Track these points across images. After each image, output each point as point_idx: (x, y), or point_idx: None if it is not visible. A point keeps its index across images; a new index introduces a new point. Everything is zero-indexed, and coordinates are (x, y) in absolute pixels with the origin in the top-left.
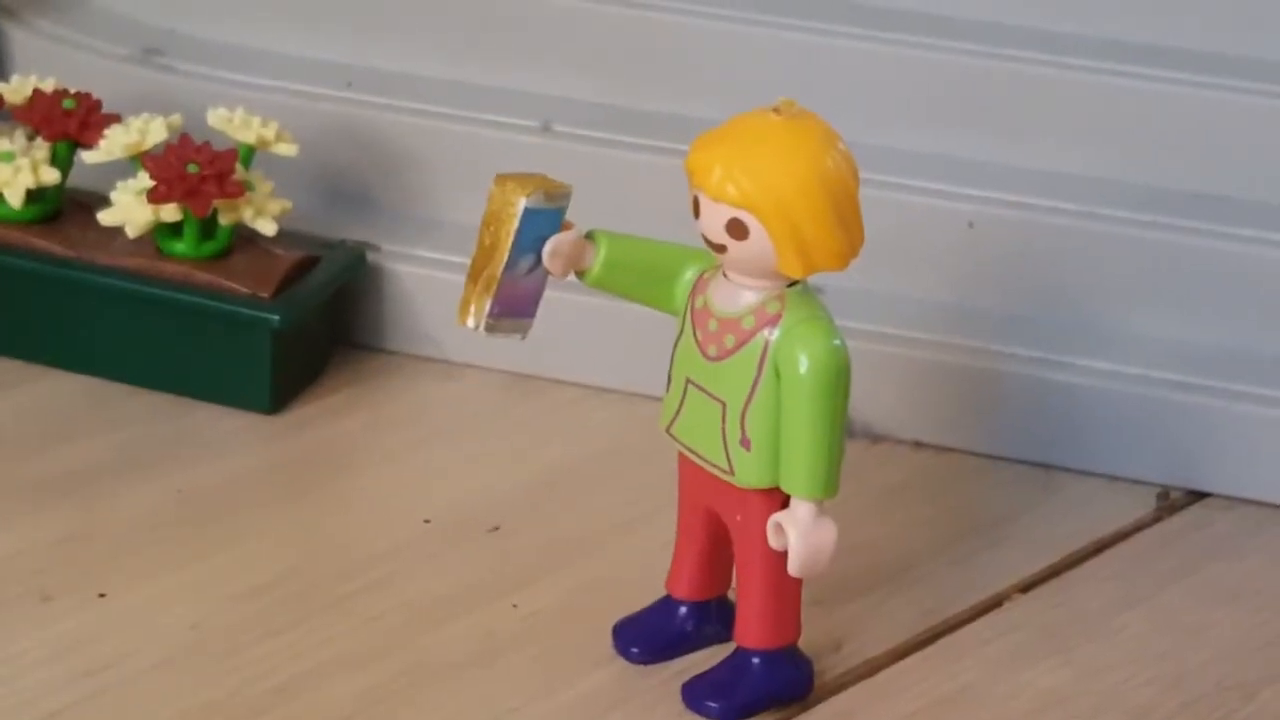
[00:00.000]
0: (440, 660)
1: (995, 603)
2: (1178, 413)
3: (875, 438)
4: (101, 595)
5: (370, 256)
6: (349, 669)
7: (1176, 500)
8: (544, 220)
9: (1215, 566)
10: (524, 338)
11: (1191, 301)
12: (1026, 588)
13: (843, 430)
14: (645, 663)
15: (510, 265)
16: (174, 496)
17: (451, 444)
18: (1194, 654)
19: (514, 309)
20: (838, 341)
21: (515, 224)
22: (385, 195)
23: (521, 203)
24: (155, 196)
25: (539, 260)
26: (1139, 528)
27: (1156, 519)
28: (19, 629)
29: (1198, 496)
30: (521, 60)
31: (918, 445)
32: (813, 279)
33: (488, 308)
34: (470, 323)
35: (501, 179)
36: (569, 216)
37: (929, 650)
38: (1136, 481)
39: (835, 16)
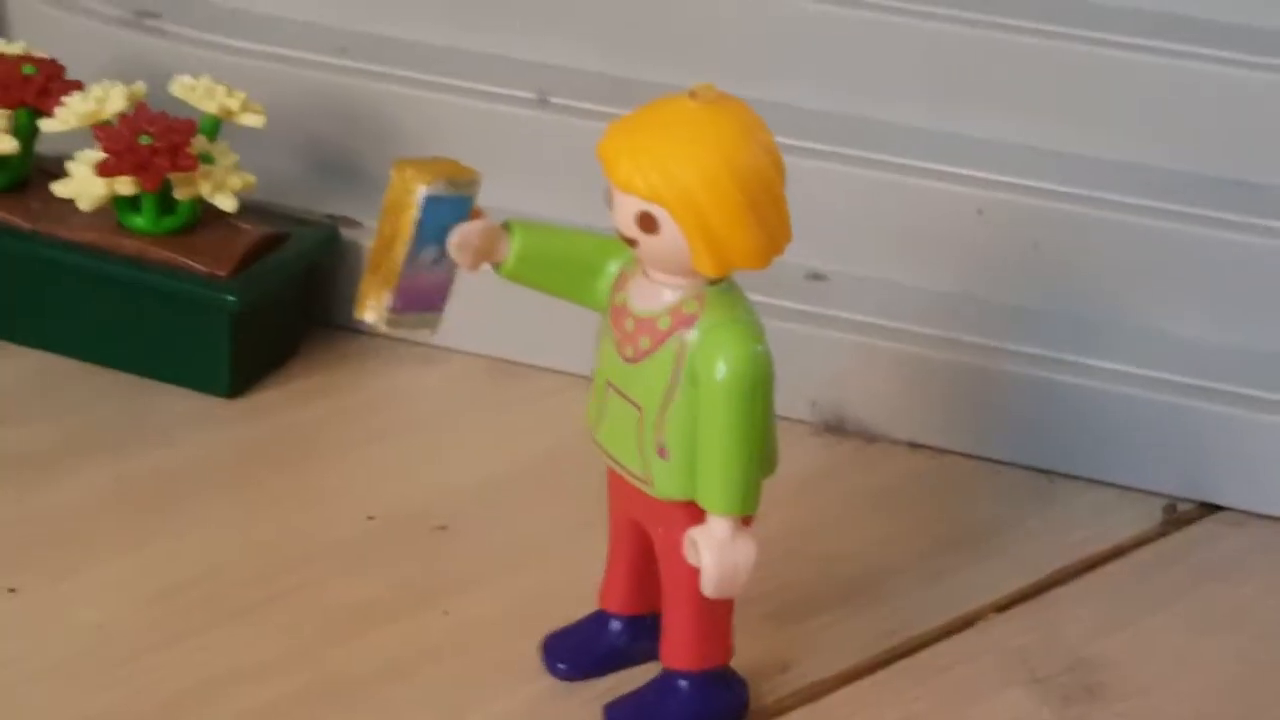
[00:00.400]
0: (352, 672)
1: (967, 623)
2: (1192, 419)
3: (870, 437)
4: (11, 590)
5: (348, 233)
6: (249, 681)
7: (1185, 513)
8: (449, 209)
9: (1213, 588)
10: (433, 333)
11: (1213, 299)
12: (1004, 607)
13: (763, 442)
14: (572, 679)
15: (411, 257)
16: (112, 485)
17: (415, 434)
18: (1172, 687)
19: (419, 303)
20: (759, 347)
21: (415, 213)
22: (371, 168)
23: (422, 191)
24: (105, 169)
25: (445, 251)
26: (1140, 543)
27: (1160, 533)
28: None
29: (1209, 510)
30: (518, 29)
31: (914, 446)
32: (813, 265)
33: (388, 301)
34: (369, 317)
35: (401, 164)
36: (481, 204)
37: (882, 674)
38: (1145, 492)
39: None
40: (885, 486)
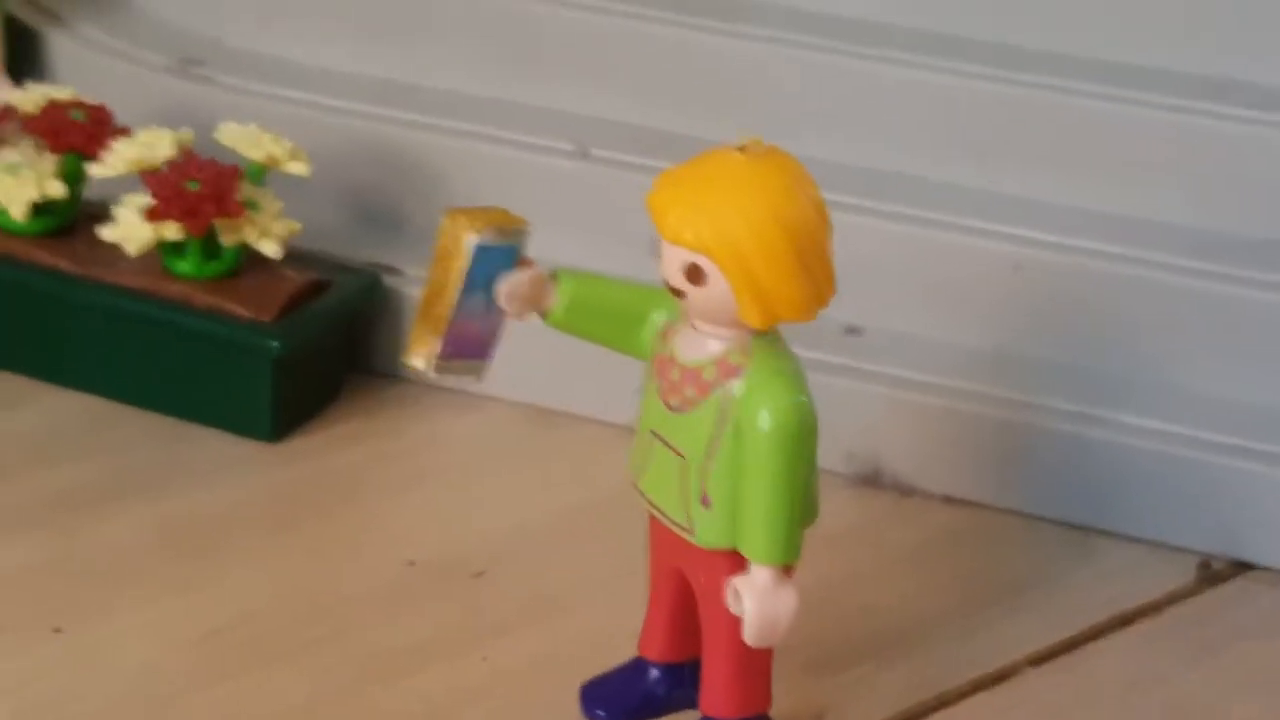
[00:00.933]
0: (392, 716)
1: (1001, 676)
2: (1227, 477)
3: (905, 491)
4: (57, 630)
5: (390, 280)
6: None
7: (1219, 571)
8: (497, 257)
9: (1248, 646)
10: (479, 380)
11: (1248, 359)
12: (1039, 660)
13: (806, 492)
14: None
15: (460, 305)
16: (154, 528)
17: (455, 480)
18: None
19: (466, 350)
20: (804, 398)
21: (465, 261)
22: (414, 216)
23: (471, 239)
24: (152, 214)
25: (494, 299)
26: (1173, 599)
27: (1194, 590)
28: None
29: (1242, 568)
30: (560, 81)
31: (949, 500)
32: (849, 319)
33: (436, 348)
34: (419, 363)
35: (453, 213)
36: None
37: None
38: (1178, 549)
39: (881, 41)
40: (920, 540)
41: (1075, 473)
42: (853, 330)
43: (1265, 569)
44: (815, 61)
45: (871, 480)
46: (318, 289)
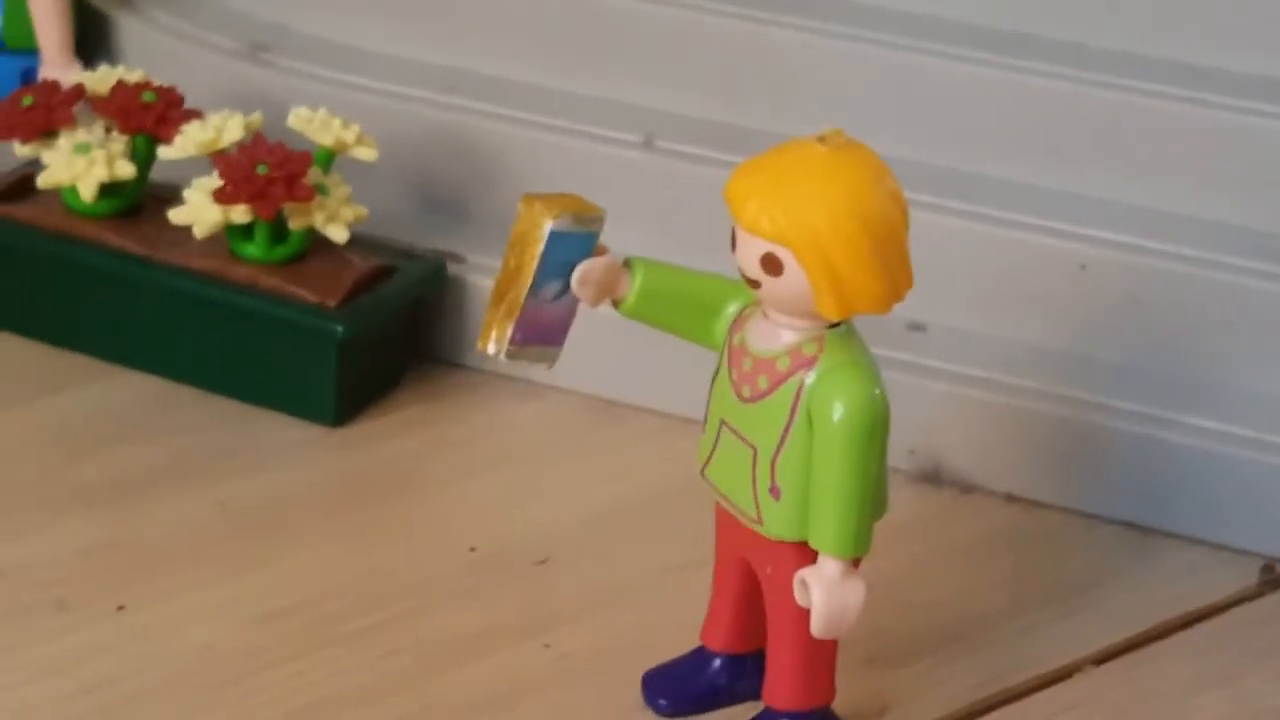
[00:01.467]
0: (455, 701)
1: (1064, 675)
2: None
3: (967, 487)
4: (120, 608)
5: (454, 268)
6: (355, 705)
7: None
8: (573, 244)
9: None
10: (550, 367)
11: None
12: (1100, 660)
13: (877, 485)
14: (672, 716)
15: (535, 290)
16: (216, 509)
17: (516, 469)
18: None
19: (539, 336)
20: (877, 390)
21: (540, 247)
22: (478, 205)
23: (548, 225)
24: (222, 196)
25: (568, 286)
26: (1236, 601)
27: (1257, 594)
28: (30, 637)
29: None
30: (626, 72)
31: (1010, 498)
32: (914, 316)
33: (509, 333)
34: (491, 349)
35: (529, 199)
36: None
37: None
38: (1241, 551)
39: (951, 39)
40: (981, 537)
41: (1137, 473)
42: (916, 327)
43: None
44: (884, 58)
45: (932, 477)
46: (383, 275)
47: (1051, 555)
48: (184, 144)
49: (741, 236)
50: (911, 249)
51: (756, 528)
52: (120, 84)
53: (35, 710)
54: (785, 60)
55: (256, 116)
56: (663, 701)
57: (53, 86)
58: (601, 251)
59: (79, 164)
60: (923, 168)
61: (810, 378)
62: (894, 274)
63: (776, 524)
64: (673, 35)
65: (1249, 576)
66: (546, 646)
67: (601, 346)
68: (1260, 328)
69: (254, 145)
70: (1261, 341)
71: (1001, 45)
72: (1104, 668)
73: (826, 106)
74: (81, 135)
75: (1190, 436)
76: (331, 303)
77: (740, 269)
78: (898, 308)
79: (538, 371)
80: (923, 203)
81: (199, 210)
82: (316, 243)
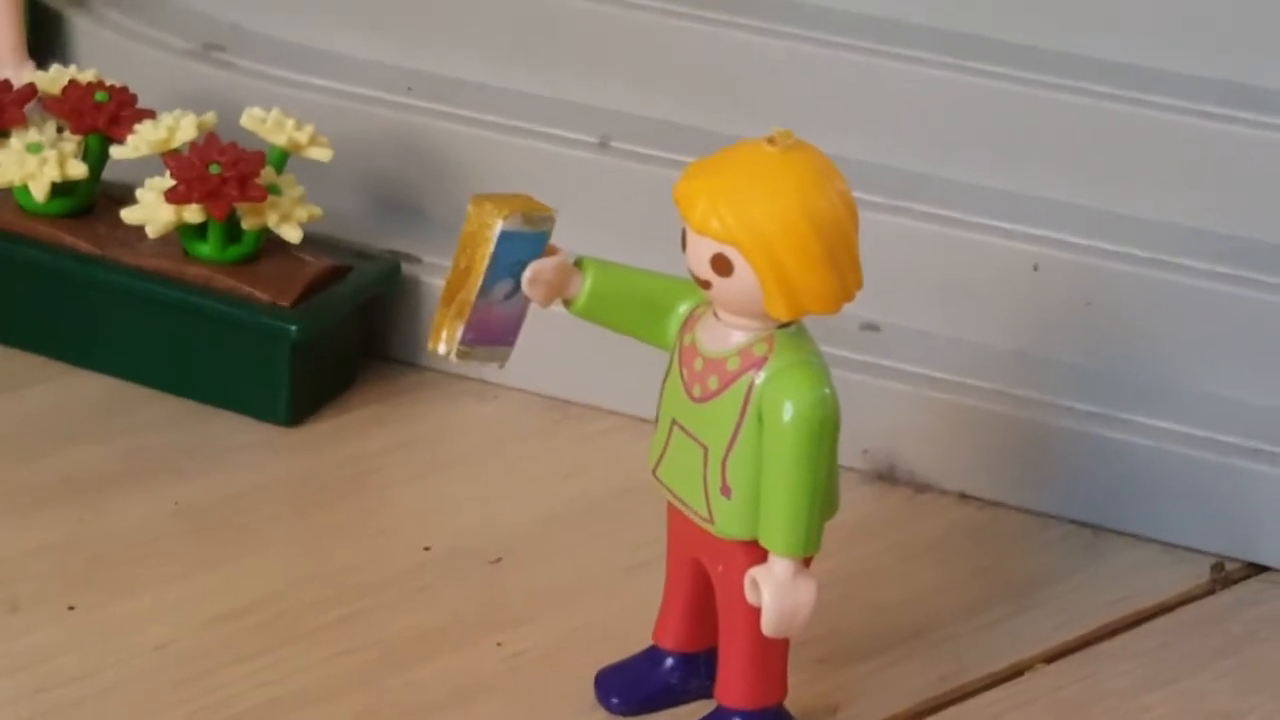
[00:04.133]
0: (407, 701)
1: (1015, 672)
2: (1242, 480)
3: (920, 487)
4: (71, 608)
5: (409, 269)
6: (308, 705)
7: (1232, 573)
8: (524, 244)
9: (1261, 648)
10: (502, 366)
11: (1264, 361)
12: (1052, 658)
13: (827, 484)
14: (625, 715)
15: (485, 290)
16: (170, 509)
17: (470, 469)
18: None
19: (490, 336)
20: (827, 390)
21: (491, 247)
22: (433, 205)
23: (498, 225)
24: (174, 196)
25: (518, 286)
26: (1186, 600)
27: (1207, 591)
28: None
29: (1256, 570)
30: (582, 73)
31: (963, 497)
32: (868, 316)
33: (460, 334)
34: (441, 349)
35: (479, 199)
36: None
37: None
38: (1192, 550)
39: (905, 41)
40: (935, 536)
41: (1090, 472)
42: (870, 327)
43: (1279, 571)
44: (836, 59)
45: (886, 476)
46: (337, 275)
47: (1004, 554)
48: (137, 144)
49: (691, 237)
50: (865, 250)
51: (708, 527)
52: (73, 83)
53: None
54: (740, 62)
55: (210, 116)
56: (615, 700)
57: (4, 86)
58: (552, 251)
59: (31, 163)
60: (876, 169)
61: (760, 377)
62: (843, 274)
63: (727, 523)
64: (629, 37)
65: (1199, 575)
66: (499, 645)
67: (555, 347)
68: (1212, 328)
69: (207, 145)
70: (1213, 342)
71: (955, 48)
72: (1055, 665)
73: (781, 108)
74: (33, 135)
75: (1142, 436)
76: (285, 303)
77: (690, 269)
78: (851, 308)
79: (492, 371)
80: (876, 204)
81: (152, 210)
82: (270, 243)
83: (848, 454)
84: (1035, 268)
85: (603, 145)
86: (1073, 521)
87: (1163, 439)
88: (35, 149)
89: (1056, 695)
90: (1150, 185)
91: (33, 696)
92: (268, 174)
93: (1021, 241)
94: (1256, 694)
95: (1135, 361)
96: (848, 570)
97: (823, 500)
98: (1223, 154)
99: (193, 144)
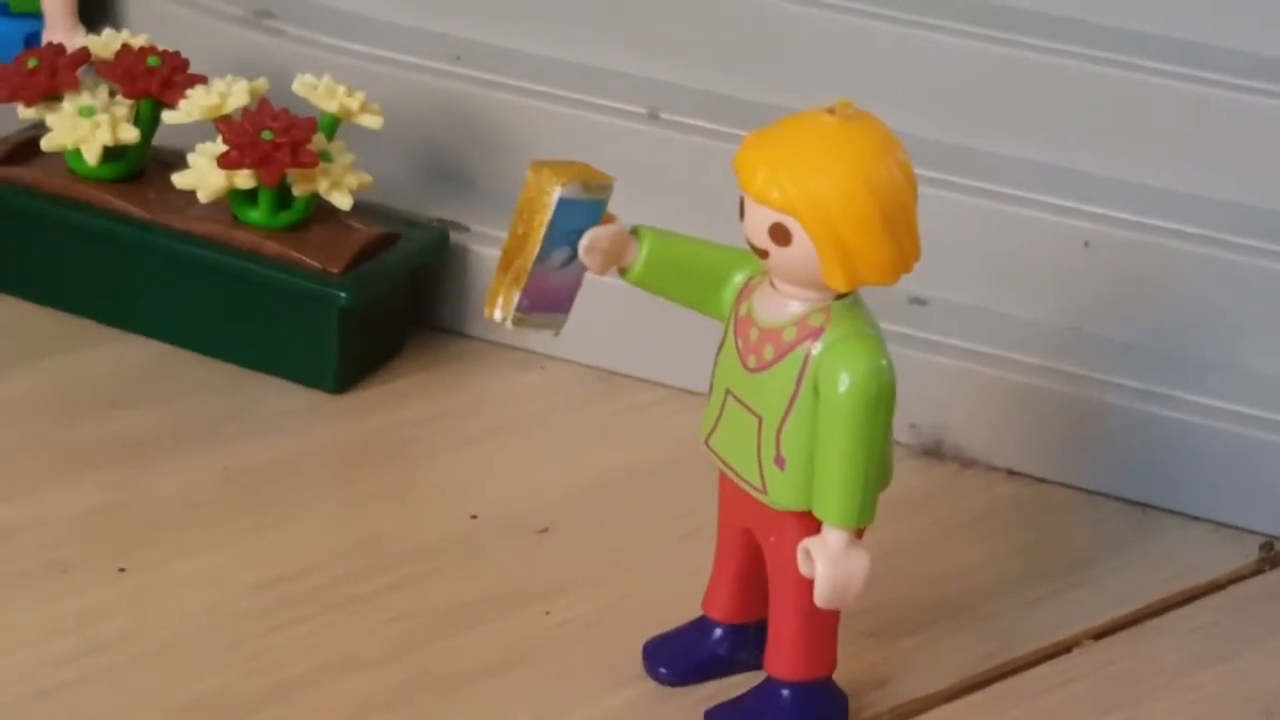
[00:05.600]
0: (455, 668)
1: (1063, 649)
2: None
3: (967, 462)
4: (121, 570)
5: (457, 237)
6: (357, 670)
7: None
8: (581, 212)
9: None
10: (557, 334)
11: None
12: (1100, 635)
13: (881, 456)
14: (673, 684)
15: (542, 257)
16: (219, 474)
17: (516, 438)
18: None
19: (545, 303)
20: (884, 361)
21: (548, 214)
22: (482, 174)
23: (556, 192)
24: (226, 161)
25: (575, 254)
26: (1235, 579)
27: (1256, 571)
28: (31, 599)
29: None
30: (632, 43)
31: (1011, 474)
32: (915, 290)
33: (516, 300)
34: (497, 315)
35: (537, 165)
36: (612, 209)
37: (979, 695)
38: (1241, 529)
39: (956, 14)
40: (982, 512)
41: (1139, 450)
42: (918, 301)
43: None
44: (890, 33)
45: (933, 451)
46: (386, 242)
47: (1052, 531)
48: (189, 108)
49: (750, 206)
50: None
51: (760, 497)
52: (125, 48)
53: (35, 673)
54: (791, 34)
55: (262, 82)
56: (663, 670)
57: (57, 50)
58: (609, 219)
59: (83, 127)
60: (926, 143)
61: (817, 348)
62: (902, 245)
63: (780, 494)
64: (678, 8)
65: (1249, 554)
66: (547, 614)
67: (603, 318)
68: (1265, 306)
69: (259, 111)
70: (1265, 320)
71: (1008, 21)
72: (1103, 642)
73: (831, 81)
74: (86, 99)
75: (1192, 414)
76: (335, 269)
77: (748, 238)
78: (900, 281)
79: (539, 341)
80: (926, 178)
81: (203, 175)
82: (320, 209)
83: (896, 428)
84: (1086, 244)
85: (652, 116)
86: (1121, 499)
87: (1213, 417)
88: (88, 113)
89: (1104, 672)
90: (1204, 162)
91: (82, 658)
92: (318, 140)
93: (1073, 218)
94: None
95: (1186, 339)
96: (894, 544)
97: (877, 472)
98: (1274, 132)
99: (245, 110)
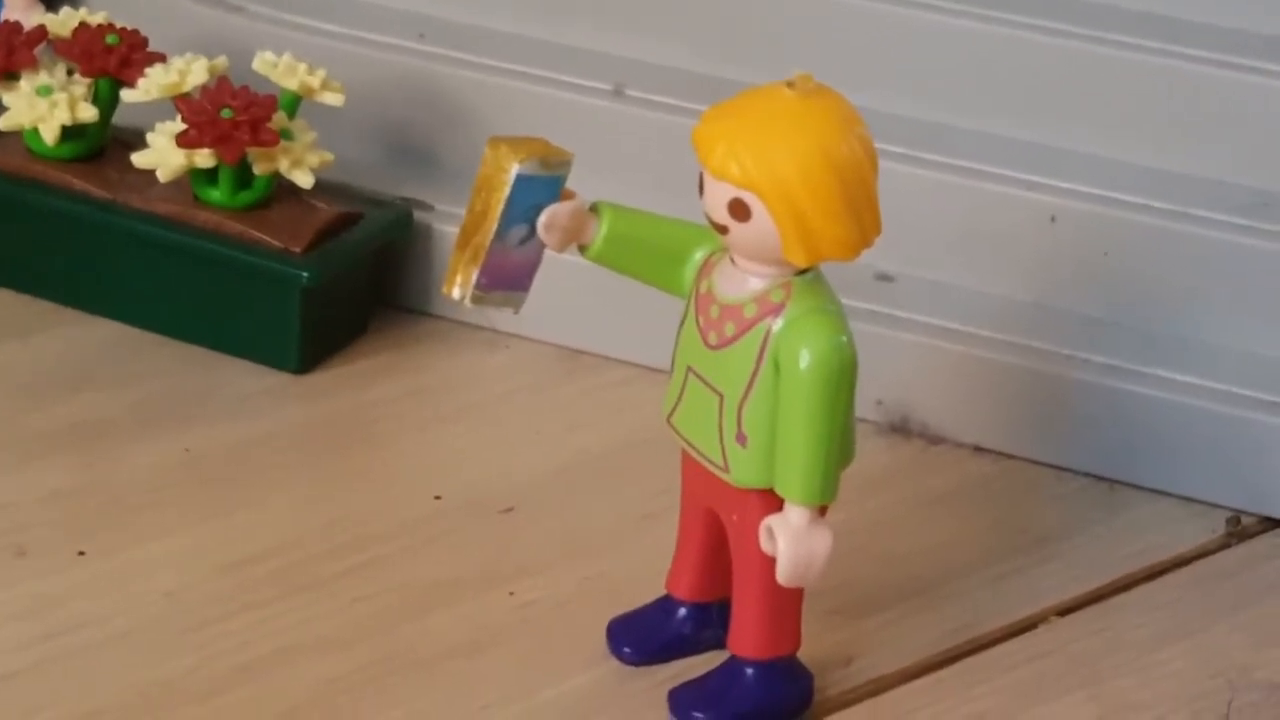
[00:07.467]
0: (421, 649)
1: (1029, 625)
2: (1260, 433)
3: (934, 439)
4: (80, 553)
5: (421, 216)
6: (321, 653)
7: (1248, 526)
8: (539, 188)
9: (1277, 602)
10: (516, 312)
11: None
12: (1066, 611)
13: (844, 433)
14: (637, 664)
15: (500, 235)
16: (180, 456)
17: (482, 418)
18: (1237, 697)
19: (505, 281)
20: (844, 337)
21: (506, 191)
22: (446, 152)
23: (514, 168)
24: (185, 140)
25: (533, 231)
26: (1202, 554)
27: (1223, 545)
28: None
29: (1272, 524)
30: (597, 21)
31: (978, 450)
32: (882, 266)
33: (474, 278)
34: (456, 293)
35: (495, 141)
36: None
37: (945, 672)
38: (1208, 504)
39: None
40: (948, 488)
41: (1105, 425)
42: (884, 277)
43: None
44: (853, 8)
45: (900, 428)
46: (349, 221)
47: (1018, 507)
48: (148, 87)
49: (709, 181)
50: (880, 199)
51: (723, 475)
52: (83, 26)
53: None
54: (756, 10)
55: (221, 60)
56: (627, 650)
57: (14, 28)
58: (568, 196)
59: (41, 107)
60: (893, 118)
61: (777, 324)
62: (862, 221)
63: (743, 471)
64: None
65: (1215, 529)
66: (511, 595)
67: (568, 296)
68: (1230, 281)
69: (219, 89)
70: (1231, 294)
71: None
72: (1070, 618)
73: (797, 57)
74: (43, 78)
75: (1158, 389)
76: (297, 249)
77: (707, 214)
78: (866, 257)
79: (504, 320)
80: (893, 153)
81: (162, 154)
82: (281, 188)
83: (862, 405)
84: (1052, 219)
85: (617, 93)
86: (1088, 475)
87: (1179, 392)
88: (45, 92)
89: (1070, 648)
90: (1169, 136)
91: (42, 642)
92: (279, 119)
93: (1039, 192)
94: (1273, 647)
95: (1152, 314)
96: (861, 522)
97: (839, 448)
98: (1242, 105)
99: (204, 88)
